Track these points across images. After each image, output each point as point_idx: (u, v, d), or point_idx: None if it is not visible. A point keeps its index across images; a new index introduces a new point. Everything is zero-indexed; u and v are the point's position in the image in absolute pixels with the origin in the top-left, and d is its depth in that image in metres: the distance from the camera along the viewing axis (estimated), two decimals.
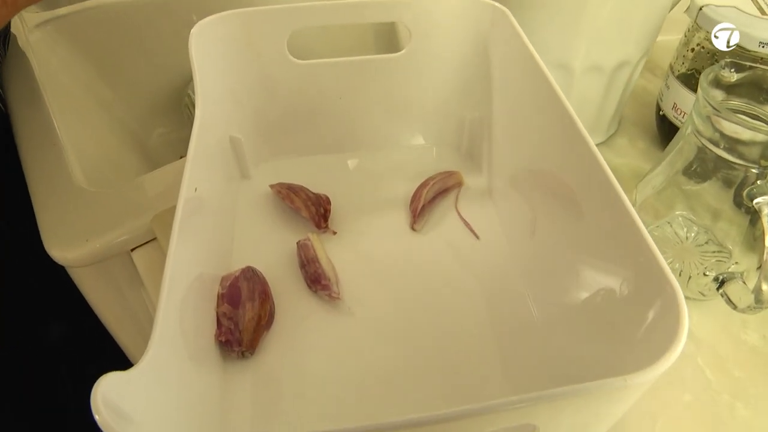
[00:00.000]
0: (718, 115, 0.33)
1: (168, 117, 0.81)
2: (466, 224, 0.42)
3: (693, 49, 0.44)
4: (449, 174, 0.45)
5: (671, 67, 0.48)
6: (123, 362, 0.60)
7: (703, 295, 0.39)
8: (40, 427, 0.65)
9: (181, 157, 0.68)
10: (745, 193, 0.33)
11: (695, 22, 0.43)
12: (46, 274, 0.59)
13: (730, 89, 0.36)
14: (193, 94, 0.76)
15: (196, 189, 0.33)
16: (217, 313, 0.34)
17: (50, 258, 0.44)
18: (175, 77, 0.80)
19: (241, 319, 0.34)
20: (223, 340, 0.33)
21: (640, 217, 0.39)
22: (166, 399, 0.25)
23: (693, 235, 0.39)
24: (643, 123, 0.54)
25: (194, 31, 0.39)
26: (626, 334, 0.24)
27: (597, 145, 0.50)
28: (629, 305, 0.25)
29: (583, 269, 0.31)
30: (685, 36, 0.46)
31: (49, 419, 0.66)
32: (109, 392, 0.20)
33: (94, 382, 0.20)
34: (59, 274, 0.49)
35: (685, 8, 0.44)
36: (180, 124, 0.80)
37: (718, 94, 0.36)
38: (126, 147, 0.74)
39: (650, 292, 0.23)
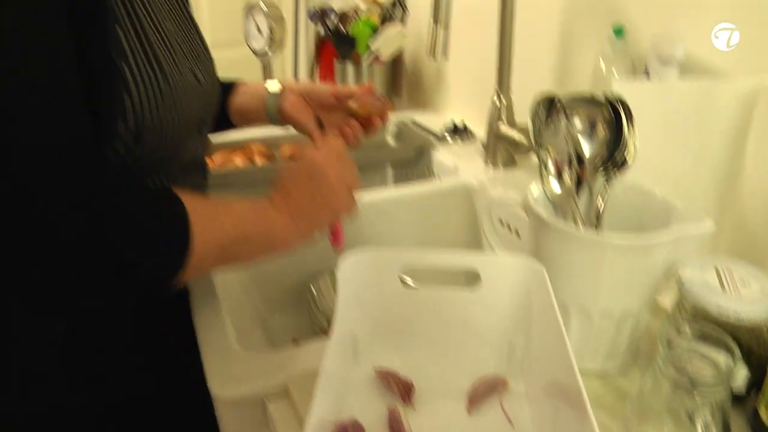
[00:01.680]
0: (670, 361, 0.51)
1: (289, 305, 1.04)
2: (505, 413, 0.60)
3: (679, 308, 0.63)
4: (498, 378, 0.63)
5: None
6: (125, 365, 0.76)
7: None
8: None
9: (293, 339, 0.91)
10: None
11: (678, 290, 0.62)
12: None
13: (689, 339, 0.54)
14: (314, 289, 0.99)
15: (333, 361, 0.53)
16: None
17: None
18: (300, 275, 1.04)
19: None
20: None
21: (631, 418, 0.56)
22: None
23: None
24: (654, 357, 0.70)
25: (341, 262, 0.62)
26: None
27: (611, 371, 0.68)
28: None
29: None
30: (677, 297, 0.64)
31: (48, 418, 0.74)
32: None
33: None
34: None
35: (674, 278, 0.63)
36: (298, 312, 1.03)
37: (683, 342, 0.54)
38: (251, 323, 0.97)
39: None
